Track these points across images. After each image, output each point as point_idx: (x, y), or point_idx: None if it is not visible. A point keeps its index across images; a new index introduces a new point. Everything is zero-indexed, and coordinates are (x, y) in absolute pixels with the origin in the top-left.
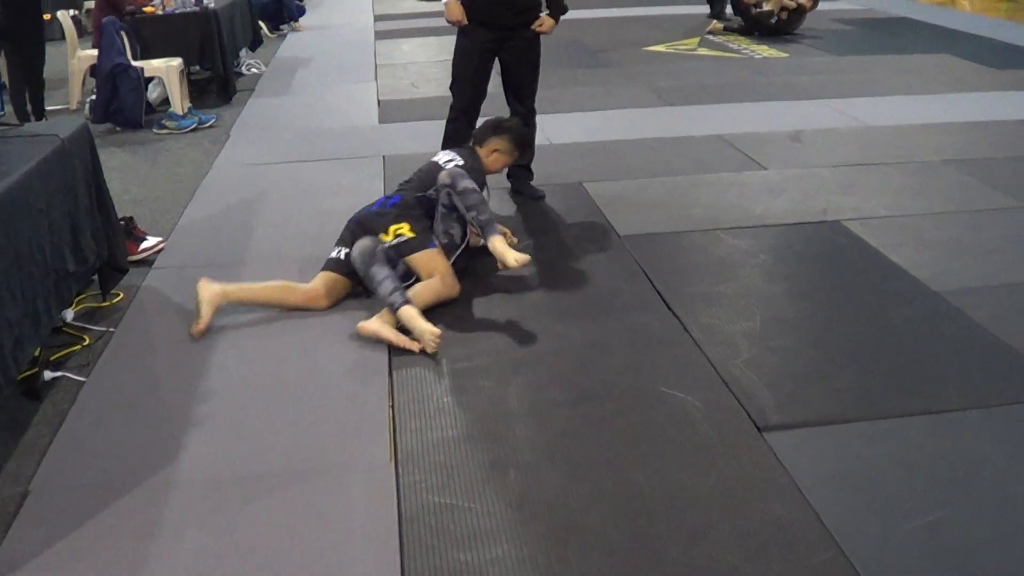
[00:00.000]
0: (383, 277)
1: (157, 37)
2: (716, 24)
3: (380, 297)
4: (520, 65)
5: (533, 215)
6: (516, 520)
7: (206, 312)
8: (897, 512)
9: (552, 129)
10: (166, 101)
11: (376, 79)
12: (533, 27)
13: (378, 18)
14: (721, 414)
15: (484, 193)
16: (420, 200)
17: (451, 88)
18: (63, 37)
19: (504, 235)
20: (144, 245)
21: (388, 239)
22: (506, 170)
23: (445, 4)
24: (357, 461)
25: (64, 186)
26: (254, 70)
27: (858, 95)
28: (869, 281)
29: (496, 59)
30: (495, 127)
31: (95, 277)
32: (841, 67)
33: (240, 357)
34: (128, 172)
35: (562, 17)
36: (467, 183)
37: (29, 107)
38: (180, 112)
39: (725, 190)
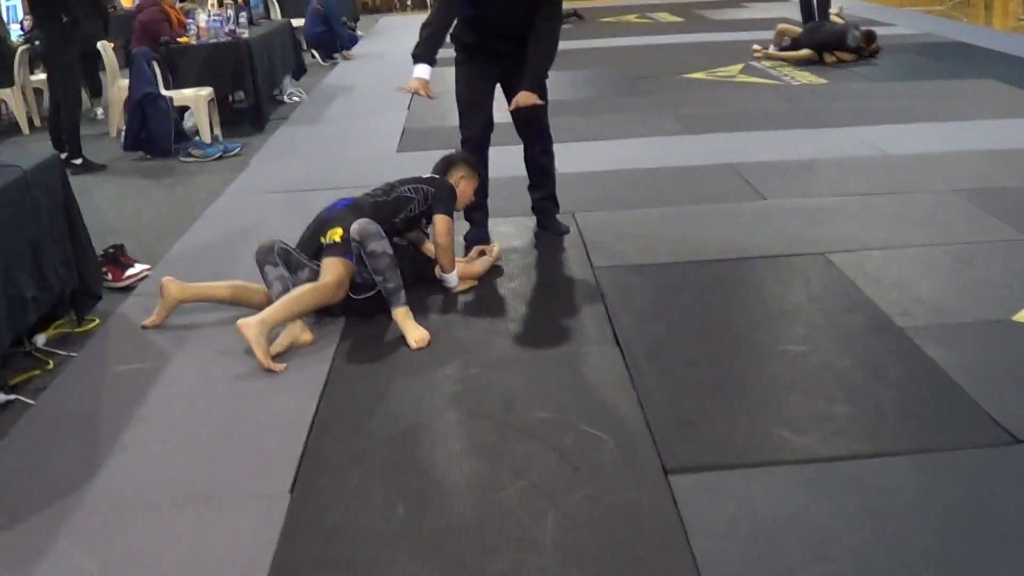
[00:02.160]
0: (273, 278)
1: (190, 67)
2: (763, 50)
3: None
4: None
5: (506, 240)
6: (409, 550)
7: (161, 313)
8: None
9: (560, 158)
10: None
11: (409, 107)
12: (509, 109)
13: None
14: (631, 454)
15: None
16: (378, 204)
17: (460, 124)
18: None
19: (485, 252)
20: (128, 272)
21: (325, 240)
22: (532, 204)
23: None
24: (257, 489)
25: (24, 216)
26: (295, 98)
27: (886, 122)
28: (831, 316)
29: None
30: (446, 162)
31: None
32: (877, 94)
33: (183, 381)
34: (144, 199)
35: (611, 43)
36: (377, 245)
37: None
38: (207, 140)
39: (715, 220)
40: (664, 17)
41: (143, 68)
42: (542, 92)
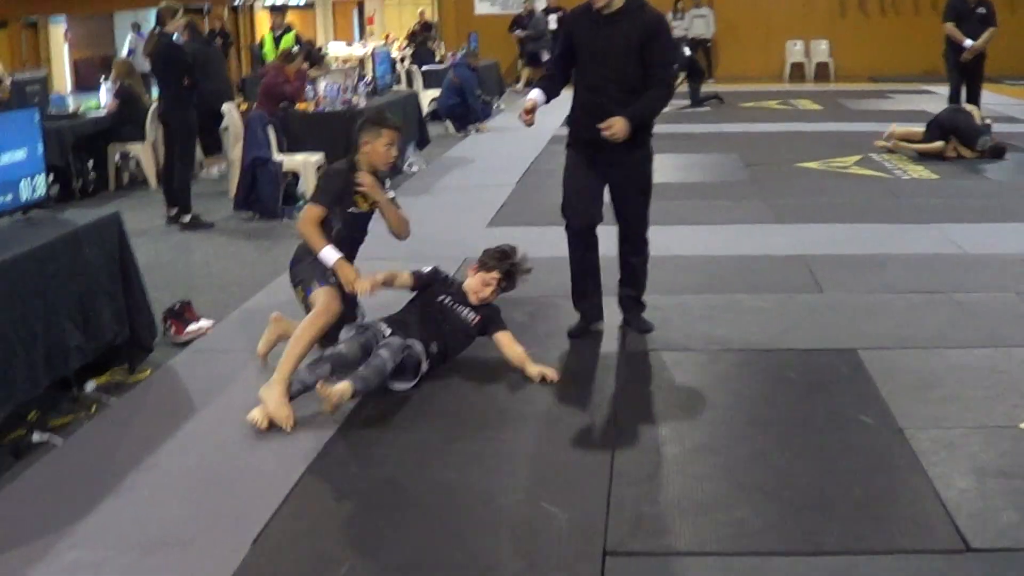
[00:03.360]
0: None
1: (305, 132)
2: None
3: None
4: (625, 188)
5: (543, 322)
6: None
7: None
8: None
9: None
10: None
11: (518, 182)
12: (602, 129)
13: (564, 123)
14: (577, 534)
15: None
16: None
17: (563, 211)
18: None
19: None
20: (190, 328)
21: None
22: (618, 296)
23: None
24: (224, 538)
25: (73, 269)
26: (414, 168)
27: (978, 220)
28: (837, 413)
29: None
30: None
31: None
32: (981, 192)
33: (198, 434)
34: (236, 258)
35: (742, 128)
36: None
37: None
38: None
39: (759, 311)
40: (804, 104)
41: (256, 132)
42: (644, 180)
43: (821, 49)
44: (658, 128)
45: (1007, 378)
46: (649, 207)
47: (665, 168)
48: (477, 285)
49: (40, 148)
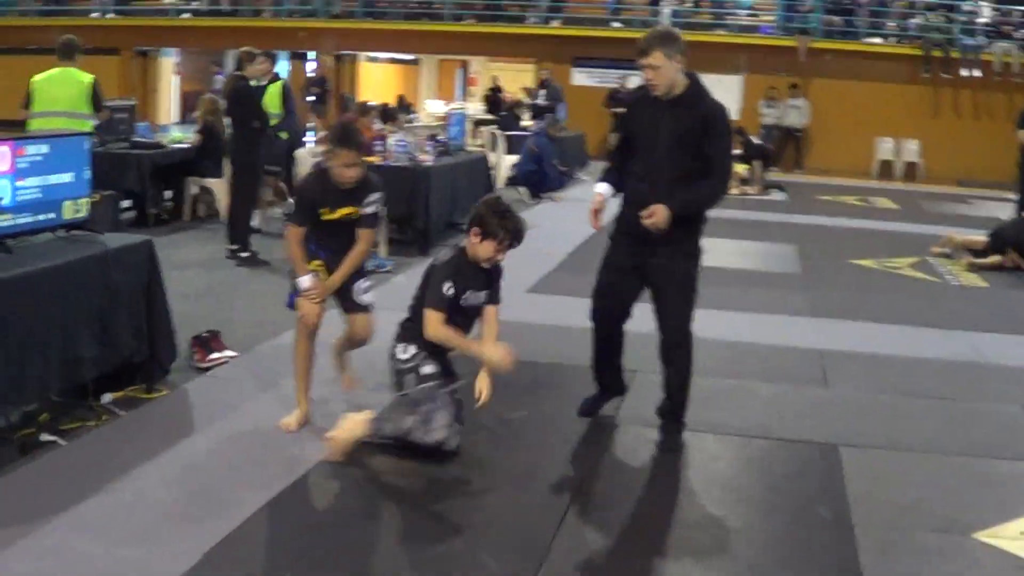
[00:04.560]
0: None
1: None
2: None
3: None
4: (665, 288)
5: (537, 397)
6: None
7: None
8: None
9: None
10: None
11: (571, 254)
12: (643, 217)
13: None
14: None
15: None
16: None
17: (592, 300)
18: None
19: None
20: (212, 356)
21: None
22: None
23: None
24: (154, 567)
25: (96, 287)
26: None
27: (1013, 332)
28: (793, 507)
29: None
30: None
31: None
32: None
33: (179, 463)
34: (279, 296)
35: (811, 220)
36: None
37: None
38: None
39: (759, 399)
40: (882, 203)
41: None
42: (687, 281)
43: (911, 149)
44: (722, 214)
45: (983, 489)
46: (692, 314)
47: (718, 253)
48: (489, 252)
49: (87, 173)
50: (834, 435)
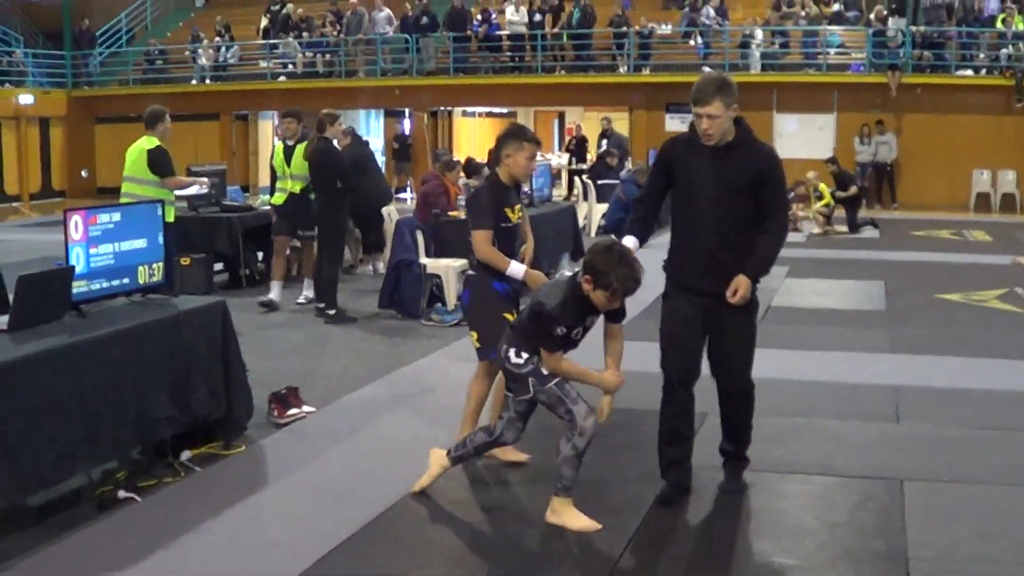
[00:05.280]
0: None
1: (454, 239)
2: None
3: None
4: (731, 341)
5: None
6: None
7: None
8: None
9: None
10: None
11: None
12: (728, 298)
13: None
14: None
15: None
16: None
17: (661, 364)
18: None
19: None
20: (290, 412)
21: None
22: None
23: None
24: None
25: (171, 348)
26: (567, 275)
27: None
28: (846, 543)
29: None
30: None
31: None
32: None
33: (254, 507)
34: (363, 353)
35: (902, 256)
36: None
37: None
38: (448, 308)
39: (824, 437)
40: (976, 235)
41: (403, 235)
42: (751, 332)
43: (1008, 180)
44: (811, 253)
45: None
46: (753, 361)
47: (803, 292)
48: (602, 301)
49: (160, 238)
50: (899, 470)
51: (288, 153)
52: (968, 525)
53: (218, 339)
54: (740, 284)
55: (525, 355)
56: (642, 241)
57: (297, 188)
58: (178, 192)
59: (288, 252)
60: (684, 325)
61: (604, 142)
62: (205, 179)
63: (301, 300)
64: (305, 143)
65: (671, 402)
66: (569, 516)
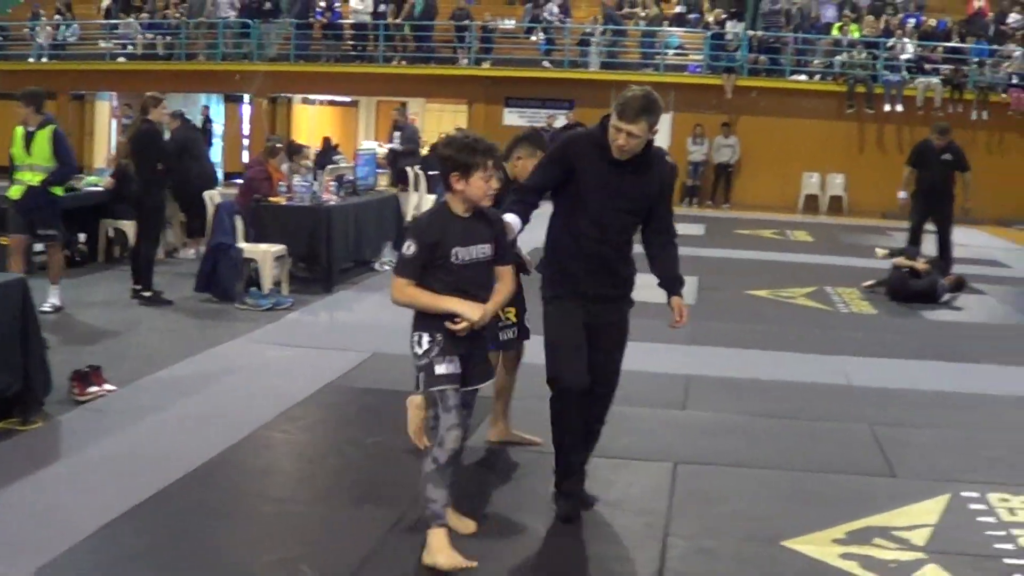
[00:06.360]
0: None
1: (274, 224)
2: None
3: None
4: (610, 344)
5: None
6: None
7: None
8: None
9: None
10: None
11: None
12: (675, 323)
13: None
14: None
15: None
16: None
17: (555, 370)
18: None
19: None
20: (90, 390)
21: None
22: None
23: None
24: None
25: None
26: (386, 268)
27: (884, 356)
28: (613, 521)
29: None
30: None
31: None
32: (912, 330)
33: (44, 479)
34: (174, 333)
35: (720, 254)
36: None
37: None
38: (264, 292)
39: (611, 424)
40: (798, 236)
41: (222, 220)
42: (626, 335)
43: (836, 183)
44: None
45: (804, 501)
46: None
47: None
48: (482, 187)
49: None
50: (676, 454)
51: (28, 139)
52: (729, 505)
53: (17, 316)
54: (683, 308)
55: (426, 340)
56: (524, 222)
57: (37, 180)
58: None
59: (112, 234)
60: (576, 330)
61: (397, 135)
62: None
63: (46, 307)
64: (46, 129)
65: (568, 410)
66: (439, 551)
